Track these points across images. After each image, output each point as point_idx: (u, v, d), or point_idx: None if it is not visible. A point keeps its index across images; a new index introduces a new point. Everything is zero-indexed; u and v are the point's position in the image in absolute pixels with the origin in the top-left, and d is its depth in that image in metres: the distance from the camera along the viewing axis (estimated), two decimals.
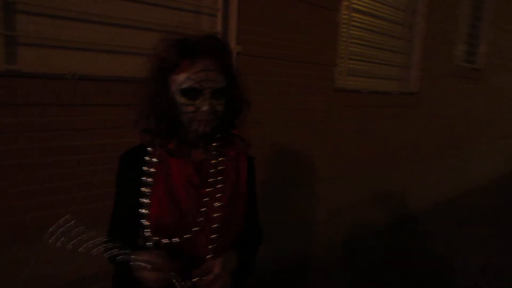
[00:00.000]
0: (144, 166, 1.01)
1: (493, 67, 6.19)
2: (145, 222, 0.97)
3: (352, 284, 3.01)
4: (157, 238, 0.97)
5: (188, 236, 0.97)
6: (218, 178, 1.03)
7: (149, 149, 1.04)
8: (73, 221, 0.90)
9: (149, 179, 1.00)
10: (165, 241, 0.97)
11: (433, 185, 4.98)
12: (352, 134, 3.72)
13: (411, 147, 4.62)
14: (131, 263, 0.90)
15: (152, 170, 1.01)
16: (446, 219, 4.60)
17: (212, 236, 0.99)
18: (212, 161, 1.05)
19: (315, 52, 3.17)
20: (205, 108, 0.95)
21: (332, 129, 3.44)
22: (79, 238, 0.89)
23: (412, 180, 4.60)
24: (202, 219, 0.99)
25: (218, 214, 1.00)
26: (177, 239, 0.97)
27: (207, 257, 0.97)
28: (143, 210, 0.98)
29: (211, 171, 1.03)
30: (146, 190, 0.99)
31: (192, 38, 0.99)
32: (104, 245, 0.93)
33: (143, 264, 0.87)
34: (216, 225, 0.99)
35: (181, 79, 0.96)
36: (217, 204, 1.00)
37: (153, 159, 1.02)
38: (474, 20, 5.59)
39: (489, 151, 6.55)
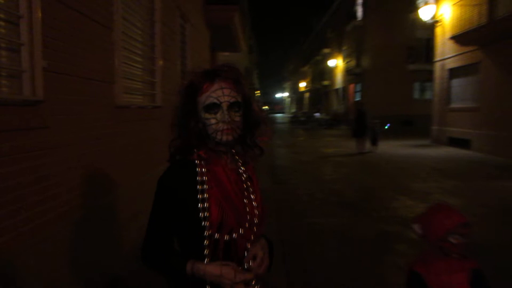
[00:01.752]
0: (188, 178, 1.18)
1: None
2: (206, 223, 1.14)
3: None
4: (219, 235, 1.16)
5: (244, 231, 1.21)
6: (248, 183, 1.30)
7: (197, 162, 1.21)
8: None
9: (205, 186, 1.17)
10: (227, 237, 1.17)
11: None
12: (132, 146, 3.95)
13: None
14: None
15: (205, 178, 1.19)
16: None
17: (255, 230, 1.26)
18: (242, 168, 1.32)
19: (99, 70, 3.22)
20: (224, 118, 1.20)
21: (114, 143, 3.55)
22: None
23: None
24: (249, 216, 1.25)
25: (257, 212, 1.28)
26: (236, 235, 1.19)
27: (248, 245, 1.24)
28: (205, 213, 1.14)
29: (244, 176, 1.30)
30: (203, 196, 1.16)
31: (213, 66, 1.26)
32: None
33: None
34: (257, 221, 1.27)
35: (204, 99, 1.21)
36: (255, 204, 1.28)
37: (204, 169, 1.20)
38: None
39: None
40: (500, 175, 8.70)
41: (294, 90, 61.16)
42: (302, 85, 52.47)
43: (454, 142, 14.13)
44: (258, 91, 52.82)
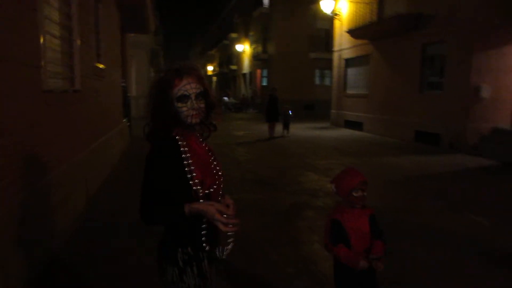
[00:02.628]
0: (174, 150, 1.52)
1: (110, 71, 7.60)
2: (193, 182, 1.50)
3: None
4: (203, 190, 1.52)
5: (216, 187, 1.61)
6: (210, 153, 1.70)
7: (177, 137, 1.56)
8: None
9: (188, 155, 1.53)
10: (207, 191, 1.56)
11: None
12: (65, 133, 3.96)
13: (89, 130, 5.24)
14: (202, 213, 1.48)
15: (186, 149, 1.54)
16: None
17: (221, 186, 1.67)
18: (203, 143, 1.70)
19: (24, 54, 3.17)
20: (193, 106, 1.56)
21: (43, 127, 3.56)
22: None
23: None
24: (217, 176, 1.64)
25: (220, 174, 1.67)
26: (212, 189, 1.59)
27: (219, 198, 1.64)
28: (192, 174, 1.50)
29: (206, 148, 1.70)
30: (187, 162, 1.52)
31: (177, 65, 1.59)
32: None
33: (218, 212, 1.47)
34: (222, 179, 1.67)
35: (176, 92, 1.55)
36: (218, 168, 1.67)
37: (184, 143, 1.56)
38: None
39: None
40: (386, 152, 10.23)
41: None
42: (210, 68, 52.50)
43: (350, 124, 15.89)
44: None
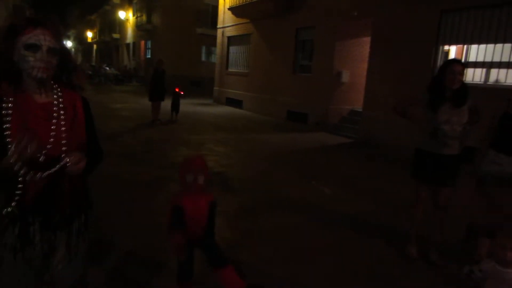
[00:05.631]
0: None
1: None
2: (11, 146, 1.32)
3: None
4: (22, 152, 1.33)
5: (44, 151, 1.44)
6: (61, 113, 1.52)
7: (1, 94, 1.40)
8: None
9: (8, 115, 1.39)
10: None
11: None
12: None
13: None
14: None
15: (10, 105, 1.40)
16: None
17: (63, 149, 1.49)
18: (54, 102, 1.53)
19: None
20: (43, 58, 1.42)
21: None
22: None
23: None
24: (52, 140, 1.48)
25: (65, 135, 1.51)
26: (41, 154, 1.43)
27: (63, 156, 1.46)
28: (8, 138, 1.37)
29: (54, 109, 1.52)
30: (6, 124, 1.38)
31: (32, 14, 1.45)
32: None
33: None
34: (64, 141, 1.50)
35: (26, 39, 1.41)
36: (63, 129, 1.51)
37: (10, 99, 1.41)
38: None
39: None
40: (260, 129, 10.80)
41: (80, 40, 55.14)
42: (90, 35, 47.86)
43: (231, 102, 16.29)
44: None
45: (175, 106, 10.91)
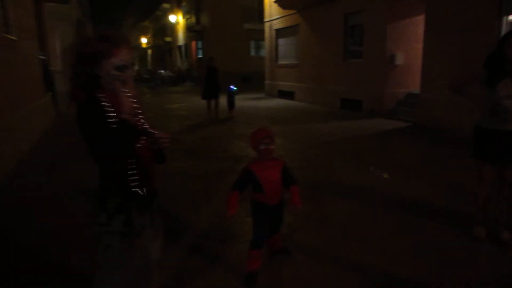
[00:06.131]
0: (102, 108, 1.60)
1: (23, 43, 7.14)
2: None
3: None
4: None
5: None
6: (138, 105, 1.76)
7: (100, 95, 1.62)
8: None
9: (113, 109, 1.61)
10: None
11: None
12: None
13: None
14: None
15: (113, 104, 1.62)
16: None
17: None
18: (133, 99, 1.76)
19: None
20: (132, 74, 1.68)
21: None
22: None
23: None
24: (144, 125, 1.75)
25: (146, 126, 1.78)
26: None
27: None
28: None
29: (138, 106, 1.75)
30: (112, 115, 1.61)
31: (108, 33, 1.64)
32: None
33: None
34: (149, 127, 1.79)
35: (115, 61, 1.61)
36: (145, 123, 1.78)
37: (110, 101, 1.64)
38: None
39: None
40: (313, 119, 10.80)
41: (136, 46, 58.18)
42: (144, 41, 50.26)
43: (283, 94, 16.37)
44: None
45: (231, 103, 11.09)
